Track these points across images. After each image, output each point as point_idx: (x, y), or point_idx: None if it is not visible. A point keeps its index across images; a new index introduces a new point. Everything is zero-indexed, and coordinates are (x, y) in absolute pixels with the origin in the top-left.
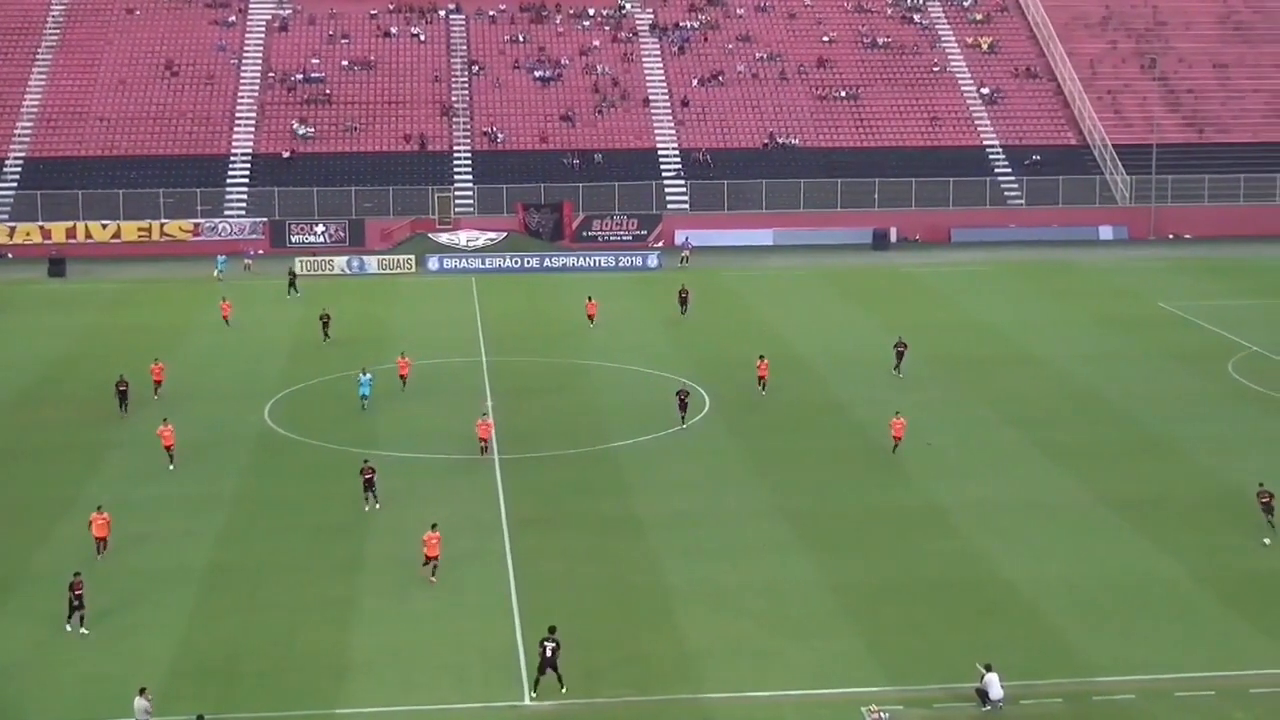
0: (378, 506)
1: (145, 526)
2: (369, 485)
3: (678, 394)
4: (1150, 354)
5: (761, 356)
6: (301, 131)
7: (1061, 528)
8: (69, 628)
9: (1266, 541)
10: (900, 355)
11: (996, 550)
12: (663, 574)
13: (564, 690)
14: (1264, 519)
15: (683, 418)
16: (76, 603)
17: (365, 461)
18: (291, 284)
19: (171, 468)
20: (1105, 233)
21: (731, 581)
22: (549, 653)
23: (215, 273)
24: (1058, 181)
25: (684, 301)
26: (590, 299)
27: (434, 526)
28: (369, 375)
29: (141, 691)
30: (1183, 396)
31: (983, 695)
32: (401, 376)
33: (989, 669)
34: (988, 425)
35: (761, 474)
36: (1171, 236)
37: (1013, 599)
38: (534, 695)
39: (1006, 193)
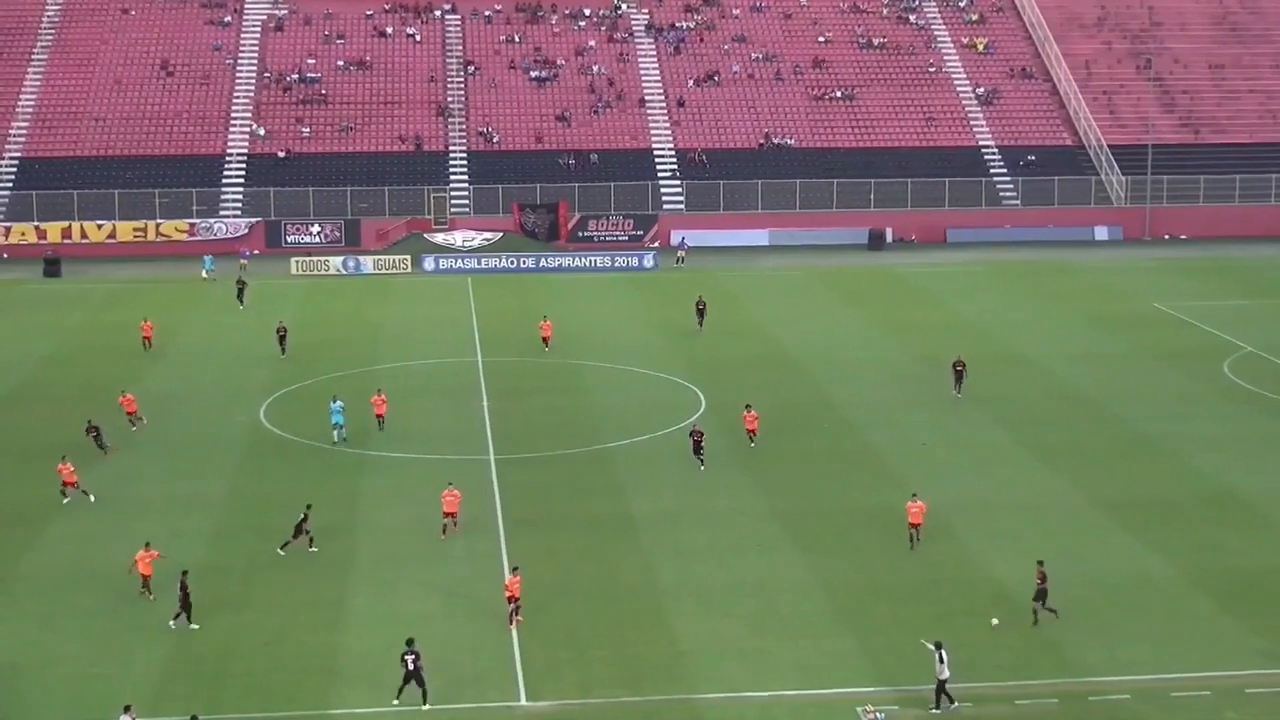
0: (281, 553)
1: (136, 526)
2: (301, 531)
3: (691, 435)
4: (1145, 354)
5: (748, 406)
6: (261, 133)
7: (1053, 528)
8: (172, 624)
9: (995, 622)
10: (959, 375)
11: (988, 550)
12: (655, 574)
13: (426, 707)
14: (1035, 604)
15: (700, 460)
16: (183, 599)
17: (309, 507)
18: (239, 294)
19: (66, 501)
20: (1100, 233)
21: (723, 582)
22: (410, 665)
23: (203, 273)
24: (1053, 182)
25: (701, 313)
26: (545, 319)
27: (450, 485)
28: (340, 403)
29: (127, 709)
30: (1177, 396)
31: (939, 691)
32: (379, 416)
33: (939, 646)
34: (980, 425)
35: (753, 474)
36: (1167, 237)
37: (1004, 599)
38: (396, 701)
39: (1002, 193)
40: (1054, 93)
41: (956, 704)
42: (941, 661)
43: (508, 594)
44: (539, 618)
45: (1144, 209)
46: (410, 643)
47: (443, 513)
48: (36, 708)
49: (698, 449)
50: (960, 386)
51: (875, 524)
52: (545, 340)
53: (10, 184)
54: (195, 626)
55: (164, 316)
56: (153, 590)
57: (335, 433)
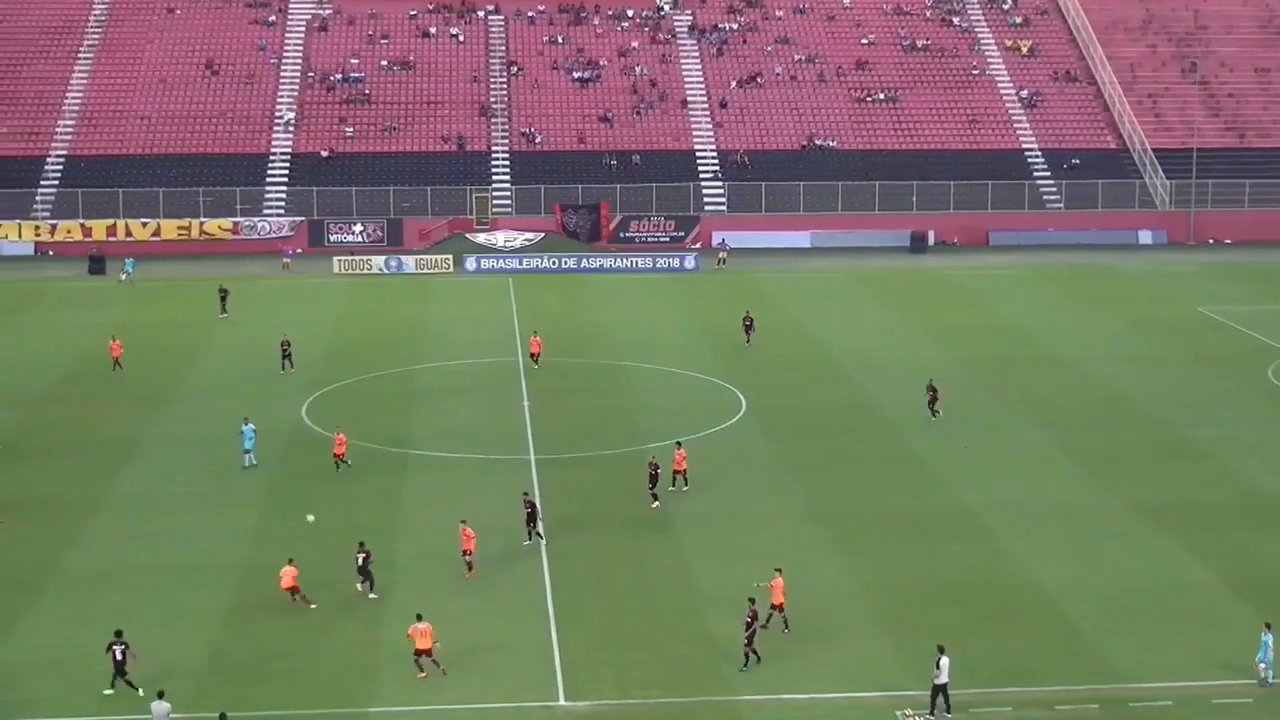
0: (372, 596)
1: (179, 524)
2: (365, 571)
3: (649, 464)
4: (1187, 358)
5: (678, 444)
6: (287, 118)
7: (1093, 532)
8: (359, 587)
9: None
10: (933, 399)
11: (1027, 554)
12: (694, 576)
13: (109, 693)
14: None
15: (654, 495)
16: (363, 568)
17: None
18: (223, 302)
19: None
20: (1144, 237)
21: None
22: (119, 655)
23: (121, 276)
24: (1097, 185)
25: (748, 329)
26: (535, 334)
27: (464, 522)
28: (251, 425)
29: (160, 695)
30: (1220, 401)
31: (937, 693)
32: (337, 456)
33: (942, 651)
34: (1020, 429)
35: (793, 476)
36: (1211, 241)
37: (1043, 603)
38: (109, 691)
39: (1045, 196)
40: (1098, 96)
41: (951, 714)
42: (939, 667)
43: (417, 646)
44: (579, 618)
45: (1188, 213)
46: (119, 634)
47: (462, 550)
48: (75, 703)
49: (654, 480)
50: (934, 409)
51: (916, 527)
52: (534, 357)
53: (56, 182)
54: (374, 596)
55: (208, 313)
56: (305, 598)
57: (244, 457)
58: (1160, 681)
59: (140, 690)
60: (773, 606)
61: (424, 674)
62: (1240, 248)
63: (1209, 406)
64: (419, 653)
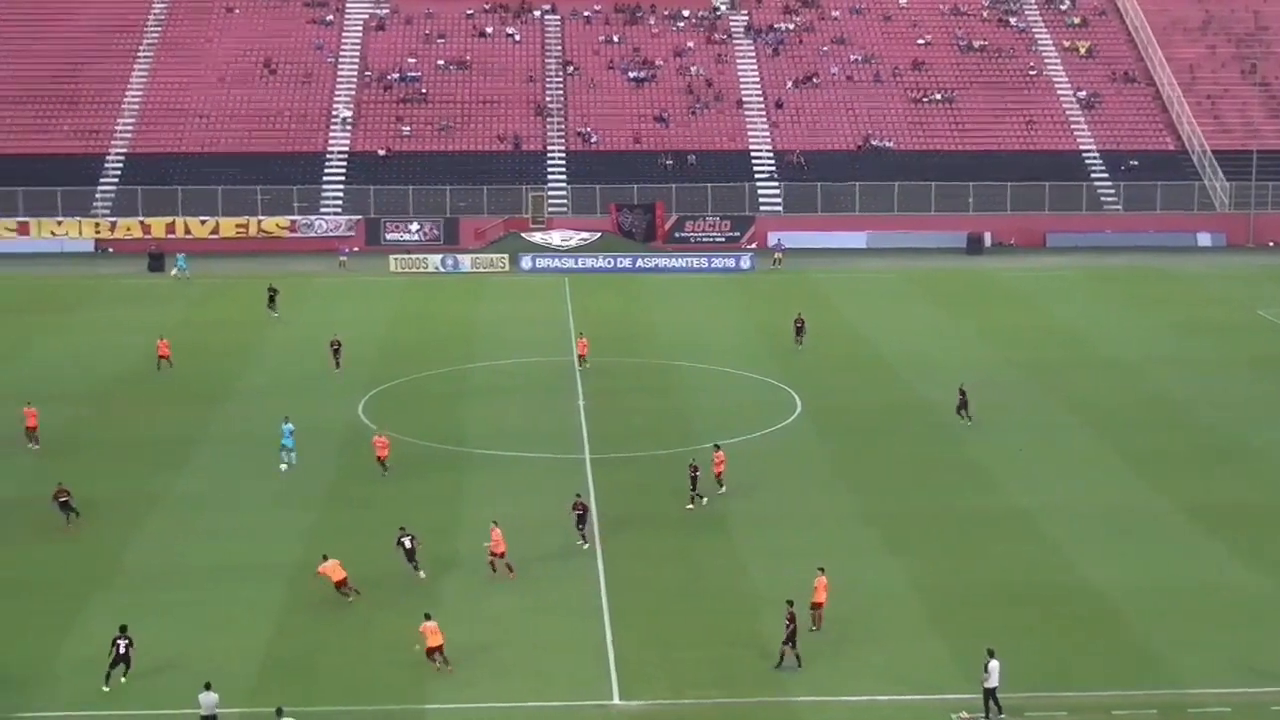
0: (421, 575)
1: (233, 522)
2: (410, 555)
3: (690, 467)
4: (1245, 361)
5: (717, 446)
6: (344, 117)
7: (1146, 535)
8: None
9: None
10: (964, 401)
11: (1080, 556)
12: (747, 575)
13: (105, 689)
14: (784, 646)
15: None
16: (409, 554)
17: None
18: (271, 301)
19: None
20: (1203, 239)
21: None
22: (122, 649)
23: (173, 272)
24: (1155, 187)
25: (800, 331)
26: (582, 335)
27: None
28: (290, 425)
29: (208, 686)
30: (1277, 404)
31: (988, 697)
32: (380, 459)
33: (991, 655)
34: (1075, 431)
35: (847, 477)
36: (1271, 244)
37: (1096, 606)
38: (106, 688)
39: (1103, 198)
40: (1157, 97)
41: (1004, 716)
42: (987, 670)
43: (428, 644)
44: (632, 618)
45: (1248, 215)
46: (124, 629)
47: (491, 553)
48: (130, 697)
49: (694, 483)
50: (967, 413)
51: (968, 528)
52: (582, 357)
53: (116, 179)
54: (423, 575)
55: (264, 310)
56: (354, 589)
57: (284, 456)
58: (1217, 688)
59: (118, 680)
60: (812, 605)
61: (450, 667)
62: None
63: (1266, 410)
64: (431, 650)
